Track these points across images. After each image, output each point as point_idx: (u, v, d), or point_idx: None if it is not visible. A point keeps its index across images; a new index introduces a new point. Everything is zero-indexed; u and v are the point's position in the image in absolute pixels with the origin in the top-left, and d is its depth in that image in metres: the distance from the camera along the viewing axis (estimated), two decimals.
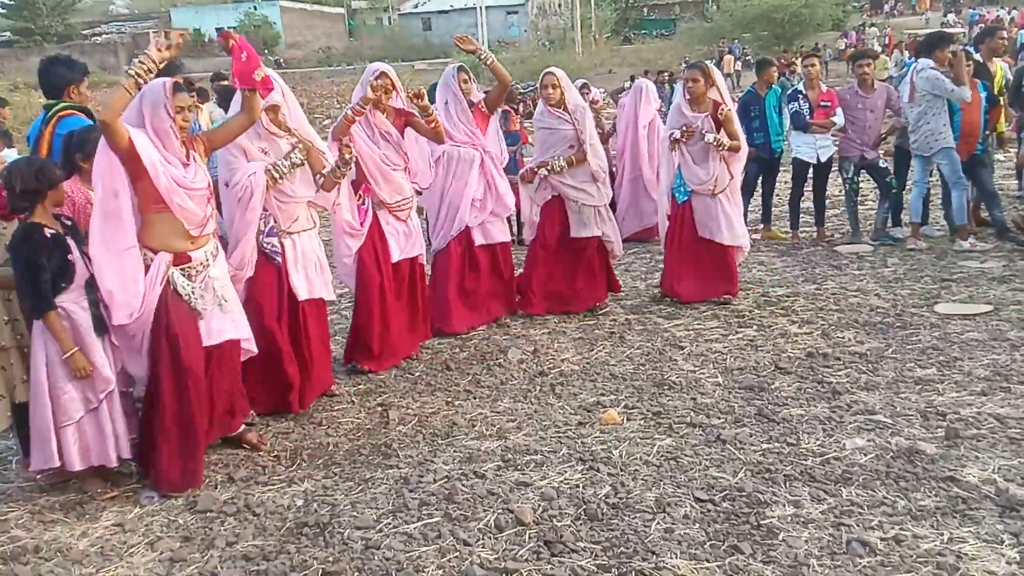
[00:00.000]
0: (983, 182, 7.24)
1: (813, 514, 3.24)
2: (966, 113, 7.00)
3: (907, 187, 7.65)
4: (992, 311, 5.54)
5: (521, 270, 6.36)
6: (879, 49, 27.65)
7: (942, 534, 3.06)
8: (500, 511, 3.38)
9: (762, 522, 3.20)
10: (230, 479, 3.89)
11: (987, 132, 7.26)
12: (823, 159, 7.66)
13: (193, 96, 5.90)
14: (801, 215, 8.22)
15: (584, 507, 3.37)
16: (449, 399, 4.72)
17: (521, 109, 10.84)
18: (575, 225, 6.01)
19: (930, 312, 5.63)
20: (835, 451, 3.75)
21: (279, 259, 4.44)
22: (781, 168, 8.48)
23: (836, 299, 6.06)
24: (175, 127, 3.62)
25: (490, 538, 3.21)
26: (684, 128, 5.87)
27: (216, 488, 3.81)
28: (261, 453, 4.13)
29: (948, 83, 6.75)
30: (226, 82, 7.90)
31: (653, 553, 3.03)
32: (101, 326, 3.66)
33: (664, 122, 7.30)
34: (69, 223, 3.71)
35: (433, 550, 3.15)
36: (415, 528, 3.31)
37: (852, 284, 6.43)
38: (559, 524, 3.25)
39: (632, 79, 15.32)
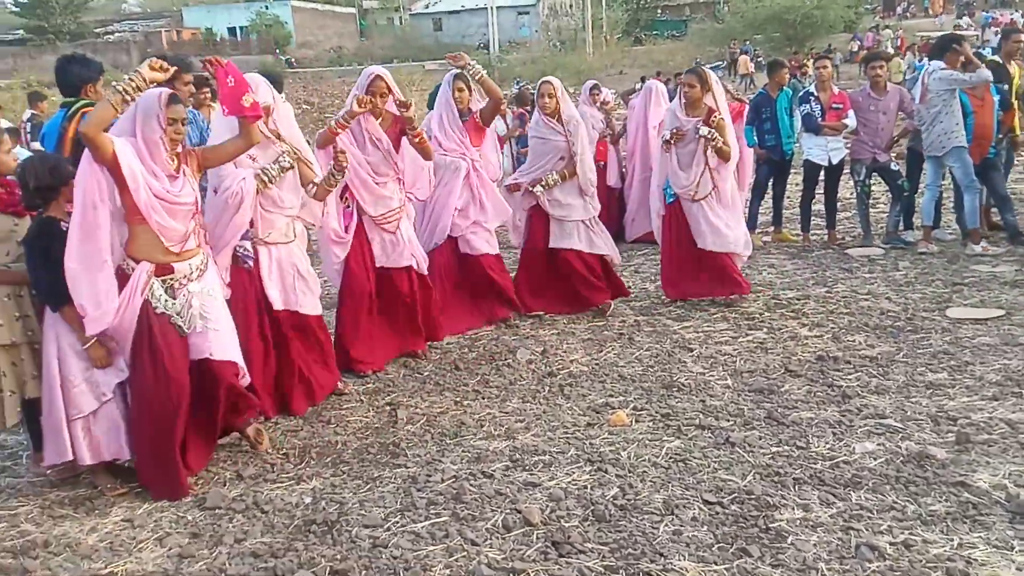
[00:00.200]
0: (995, 185, 7.19)
1: (822, 518, 3.23)
2: (978, 116, 6.97)
3: (919, 190, 7.62)
4: (1004, 315, 5.50)
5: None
6: (892, 51, 27.51)
7: (952, 539, 3.04)
8: (508, 511, 3.38)
9: (771, 525, 3.19)
10: (239, 476, 3.90)
11: (1000, 135, 7.22)
12: (835, 161, 7.62)
13: (205, 93, 5.94)
14: (812, 218, 8.18)
15: (592, 508, 3.36)
16: (458, 399, 4.72)
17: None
18: (556, 235, 6.01)
19: (941, 316, 5.60)
20: (845, 455, 3.73)
21: (250, 263, 4.38)
22: (792, 170, 8.46)
23: (847, 302, 6.04)
24: (165, 139, 3.57)
25: (498, 538, 3.21)
26: (675, 131, 5.93)
27: (225, 485, 3.83)
28: (269, 451, 4.13)
29: (962, 74, 6.73)
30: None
31: (661, 555, 3.03)
32: None
33: None
34: None
35: (441, 549, 3.15)
36: (423, 527, 3.31)
37: (863, 287, 6.40)
38: (567, 525, 3.25)
39: (643, 80, 15.30)
